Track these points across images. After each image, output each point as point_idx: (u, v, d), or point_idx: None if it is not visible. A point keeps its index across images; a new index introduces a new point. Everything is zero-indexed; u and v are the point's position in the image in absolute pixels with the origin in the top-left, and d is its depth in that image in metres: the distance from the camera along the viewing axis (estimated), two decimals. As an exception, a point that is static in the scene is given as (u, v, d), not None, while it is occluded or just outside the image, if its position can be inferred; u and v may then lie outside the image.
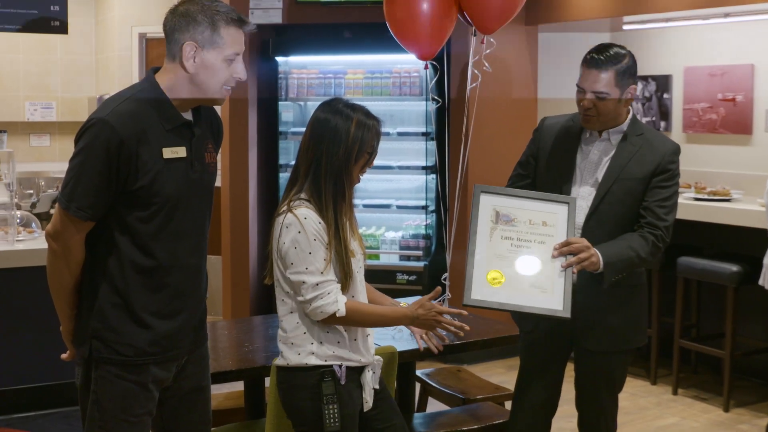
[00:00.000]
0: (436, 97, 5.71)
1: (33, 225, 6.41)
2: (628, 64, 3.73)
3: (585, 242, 3.55)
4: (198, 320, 3.22)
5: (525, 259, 3.51)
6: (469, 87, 4.95)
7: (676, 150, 3.82)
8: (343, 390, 3.34)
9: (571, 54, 7.96)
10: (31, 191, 9.15)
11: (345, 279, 3.33)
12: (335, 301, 3.28)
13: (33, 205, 8.24)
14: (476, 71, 4.89)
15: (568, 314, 3.48)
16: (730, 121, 6.98)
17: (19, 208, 6.78)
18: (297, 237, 3.28)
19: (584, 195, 3.77)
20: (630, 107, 3.84)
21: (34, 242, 6.13)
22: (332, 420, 3.29)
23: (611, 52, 3.71)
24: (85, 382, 3.13)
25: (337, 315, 3.27)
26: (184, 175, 3.06)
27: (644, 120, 7.63)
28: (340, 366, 3.34)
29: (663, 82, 7.47)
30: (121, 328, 3.04)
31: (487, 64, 4.93)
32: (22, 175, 9.10)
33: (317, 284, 3.27)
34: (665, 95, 7.46)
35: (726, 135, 7.04)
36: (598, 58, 3.70)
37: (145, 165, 2.97)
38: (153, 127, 2.99)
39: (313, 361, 3.34)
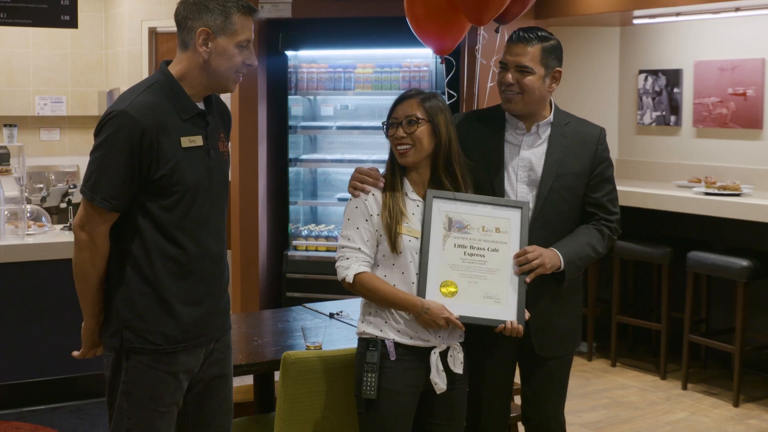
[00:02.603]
0: (452, 92, 5.70)
1: (43, 219, 6.42)
2: (554, 45, 3.64)
3: (540, 250, 3.48)
4: (223, 307, 3.28)
5: (478, 268, 3.46)
6: (488, 84, 4.95)
7: (604, 134, 3.74)
8: (392, 365, 3.40)
9: (581, 49, 7.97)
10: (41, 185, 9.17)
11: (391, 253, 3.42)
12: (347, 267, 3.41)
13: (43, 199, 8.26)
14: (494, 69, 4.89)
15: (522, 325, 3.44)
16: (741, 116, 6.97)
17: (29, 202, 6.80)
18: (348, 204, 3.50)
19: (522, 195, 3.64)
20: (551, 99, 3.72)
21: (44, 236, 6.14)
22: (368, 388, 3.38)
23: (538, 33, 3.63)
24: (115, 374, 3.16)
25: (345, 280, 3.41)
26: (202, 163, 3.13)
27: (654, 114, 7.62)
28: (392, 341, 3.40)
29: (673, 77, 7.46)
30: (151, 317, 3.09)
31: (479, 56, 4.93)
32: (32, 169, 9.13)
33: (342, 247, 3.45)
34: (675, 89, 7.45)
35: (736, 129, 7.02)
36: (525, 35, 3.61)
37: (166, 154, 3.03)
38: (170, 117, 3.05)
39: (369, 330, 3.44)
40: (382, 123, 3.52)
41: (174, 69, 3.12)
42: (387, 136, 3.50)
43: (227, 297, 3.33)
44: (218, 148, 3.21)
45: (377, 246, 3.46)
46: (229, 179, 3.38)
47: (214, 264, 3.21)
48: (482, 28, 5.10)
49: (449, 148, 3.47)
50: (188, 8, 3.08)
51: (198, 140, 3.11)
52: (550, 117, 3.69)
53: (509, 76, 3.60)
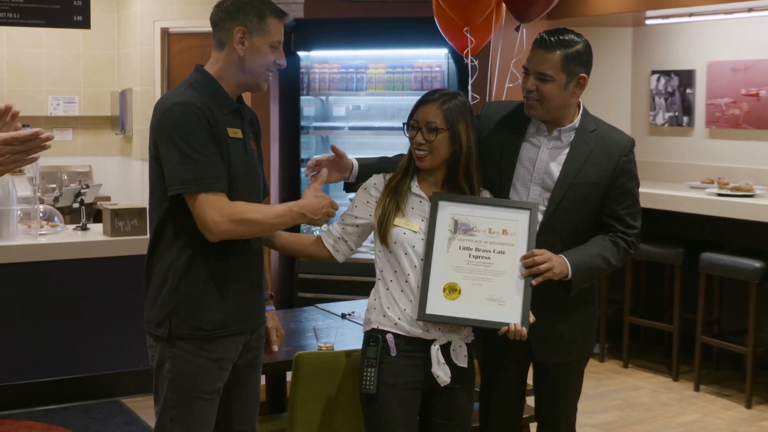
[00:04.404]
0: (475, 94, 5.67)
1: (56, 219, 6.44)
2: (579, 51, 3.51)
3: (548, 254, 3.43)
4: (261, 298, 3.40)
5: (483, 270, 3.42)
6: (505, 84, 4.96)
7: (632, 146, 3.62)
8: (393, 360, 3.41)
9: (594, 49, 7.93)
10: (54, 185, 9.20)
11: (382, 244, 3.48)
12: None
13: (56, 200, 8.28)
14: (513, 70, 4.90)
15: (525, 328, 3.38)
16: (754, 117, 6.95)
17: (41, 202, 6.82)
18: None
19: (533, 196, 3.58)
20: (580, 102, 3.64)
21: (56, 236, 6.16)
22: (368, 382, 3.40)
23: (563, 37, 3.51)
24: (160, 365, 3.24)
25: None
26: (242, 154, 3.26)
27: (667, 115, 7.60)
28: (392, 335, 3.41)
29: (686, 77, 7.45)
30: (199, 304, 3.19)
31: (469, 59, 4.96)
32: (44, 170, 9.14)
33: None
34: (688, 90, 7.43)
35: (749, 130, 7.00)
36: (549, 39, 3.50)
37: (220, 139, 3.16)
38: (215, 109, 3.18)
39: (372, 317, 3.48)
40: (403, 123, 3.51)
41: (211, 69, 3.28)
42: (407, 136, 3.51)
43: (264, 289, 3.45)
44: (251, 144, 3.35)
45: (373, 237, 3.54)
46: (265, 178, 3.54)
47: (255, 256, 3.34)
48: (468, 30, 5.11)
49: (469, 154, 3.45)
50: (225, 10, 3.26)
51: (238, 133, 3.26)
52: (575, 122, 3.59)
53: (529, 83, 3.53)
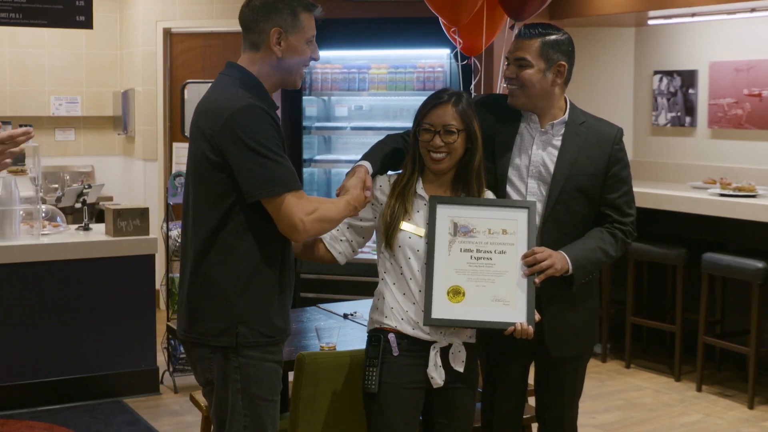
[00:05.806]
0: (477, 95, 5.67)
1: (58, 219, 6.44)
2: (558, 39, 3.57)
3: (548, 251, 3.44)
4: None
5: (485, 271, 3.41)
6: (500, 84, 4.97)
7: (621, 135, 3.67)
8: (394, 360, 3.41)
9: (596, 49, 7.95)
10: (56, 185, 9.20)
11: (385, 249, 3.48)
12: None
13: (58, 200, 8.29)
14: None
15: (531, 326, 3.38)
16: (756, 117, 6.95)
17: (44, 202, 6.82)
18: None
19: (531, 190, 3.60)
20: (566, 97, 3.67)
21: (58, 236, 6.16)
22: (370, 382, 3.41)
23: (542, 28, 3.59)
24: (225, 375, 3.20)
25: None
26: None
27: (669, 115, 7.60)
28: (394, 335, 3.41)
29: (688, 77, 7.44)
30: (266, 311, 3.18)
31: (459, 61, 4.97)
32: (47, 170, 9.15)
33: None
34: (690, 90, 7.43)
35: (752, 130, 7.00)
36: (527, 30, 3.58)
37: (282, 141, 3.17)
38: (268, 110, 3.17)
39: (375, 316, 3.48)
40: (414, 128, 3.48)
41: (248, 69, 3.22)
42: (418, 139, 3.46)
43: None
44: None
45: (376, 240, 3.54)
46: None
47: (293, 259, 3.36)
48: (456, 30, 5.13)
49: (478, 151, 3.46)
50: (256, 11, 3.20)
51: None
52: (565, 116, 3.63)
53: (509, 70, 3.59)
